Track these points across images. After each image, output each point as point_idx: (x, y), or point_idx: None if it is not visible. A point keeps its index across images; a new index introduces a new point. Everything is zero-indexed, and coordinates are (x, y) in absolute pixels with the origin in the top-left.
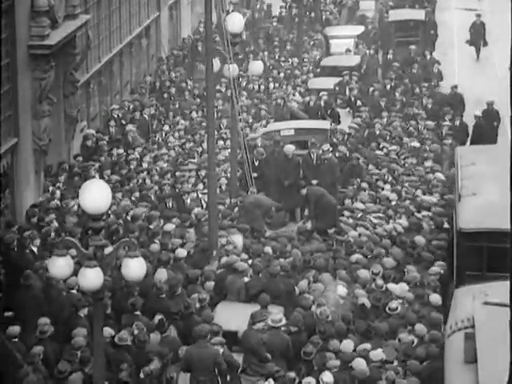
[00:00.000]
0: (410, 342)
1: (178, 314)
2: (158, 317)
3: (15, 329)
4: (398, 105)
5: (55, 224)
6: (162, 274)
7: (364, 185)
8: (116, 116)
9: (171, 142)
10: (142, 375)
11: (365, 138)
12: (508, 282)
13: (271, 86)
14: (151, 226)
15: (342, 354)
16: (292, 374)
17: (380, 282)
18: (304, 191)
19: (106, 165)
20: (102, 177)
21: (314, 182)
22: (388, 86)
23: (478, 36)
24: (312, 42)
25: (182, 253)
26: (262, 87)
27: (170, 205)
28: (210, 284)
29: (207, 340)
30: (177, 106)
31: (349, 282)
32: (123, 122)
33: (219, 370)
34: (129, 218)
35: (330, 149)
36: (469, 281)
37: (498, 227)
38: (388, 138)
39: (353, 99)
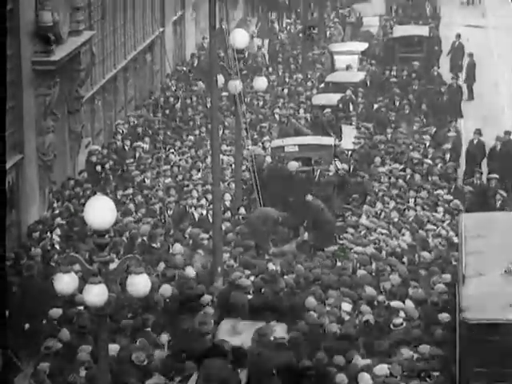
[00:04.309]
0: (411, 356)
1: (187, 331)
2: (164, 335)
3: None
4: (406, 122)
5: (57, 239)
6: (166, 291)
7: (368, 202)
8: (121, 131)
9: (172, 158)
10: None
11: (368, 153)
12: None
13: (275, 102)
14: (153, 245)
15: (348, 370)
16: None
17: (381, 298)
18: (309, 197)
19: (110, 181)
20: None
21: (310, 197)
22: (397, 103)
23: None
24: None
25: (191, 272)
26: (268, 103)
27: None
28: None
29: (228, 357)
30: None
31: (353, 299)
32: (130, 138)
33: None
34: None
35: (334, 171)
36: (476, 379)
37: (511, 318)
38: (392, 154)
39: (356, 114)
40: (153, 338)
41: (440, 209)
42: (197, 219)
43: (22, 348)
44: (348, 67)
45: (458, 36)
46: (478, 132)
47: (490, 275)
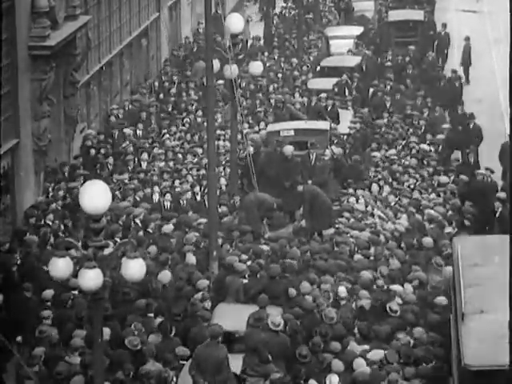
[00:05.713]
0: (408, 342)
1: (179, 315)
2: (158, 319)
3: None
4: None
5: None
6: (165, 276)
7: (364, 186)
8: (115, 116)
9: (168, 143)
10: (140, 375)
11: (364, 138)
12: None
13: (270, 87)
14: (149, 229)
15: (344, 356)
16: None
17: (380, 282)
18: (300, 188)
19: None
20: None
21: (310, 182)
22: (388, 87)
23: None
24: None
25: (191, 259)
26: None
27: (168, 205)
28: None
29: (218, 341)
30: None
31: (351, 283)
32: (124, 123)
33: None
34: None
35: (329, 155)
36: None
37: None
38: (388, 139)
39: (351, 99)
40: (152, 323)
41: (438, 193)
42: (193, 204)
43: (16, 332)
44: (349, 51)
45: (444, 26)
46: (472, 116)
47: (491, 312)
